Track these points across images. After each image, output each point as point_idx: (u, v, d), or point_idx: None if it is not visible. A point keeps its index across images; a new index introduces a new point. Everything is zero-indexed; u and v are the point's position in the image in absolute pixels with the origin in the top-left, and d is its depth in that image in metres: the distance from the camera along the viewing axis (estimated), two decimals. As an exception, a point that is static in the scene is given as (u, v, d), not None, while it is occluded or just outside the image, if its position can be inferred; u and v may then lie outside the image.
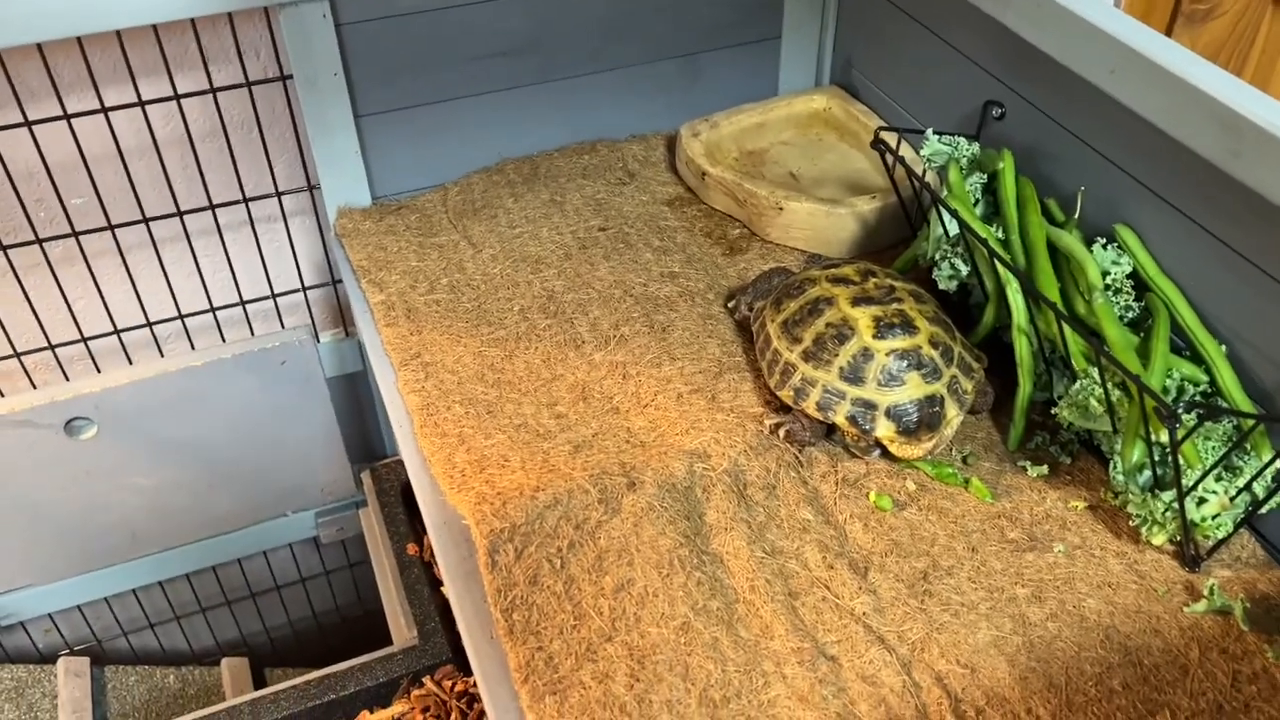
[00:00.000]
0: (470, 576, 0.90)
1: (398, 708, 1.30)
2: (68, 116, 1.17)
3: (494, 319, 1.16)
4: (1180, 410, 0.80)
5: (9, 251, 1.25)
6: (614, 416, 1.03)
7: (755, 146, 1.38)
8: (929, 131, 1.11)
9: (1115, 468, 0.91)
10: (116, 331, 1.37)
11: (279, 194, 1.34)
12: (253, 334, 1.45)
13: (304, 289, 1.44)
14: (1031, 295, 0.96)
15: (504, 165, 1.38)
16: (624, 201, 1.32)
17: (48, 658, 1.65)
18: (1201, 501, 0.86)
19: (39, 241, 1.25)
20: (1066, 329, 0.93)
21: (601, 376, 1.08)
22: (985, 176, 1.08)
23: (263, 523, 1.62)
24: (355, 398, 1.58)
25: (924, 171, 1.10)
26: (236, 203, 1.32)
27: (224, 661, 1.75)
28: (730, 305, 1.15)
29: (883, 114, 1.34)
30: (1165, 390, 0.90)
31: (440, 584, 1.46)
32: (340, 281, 1.44)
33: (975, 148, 1.09)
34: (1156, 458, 0.87)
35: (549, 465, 0.97)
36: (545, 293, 1.19)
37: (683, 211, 1.31)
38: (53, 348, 1.35)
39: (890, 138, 1.10)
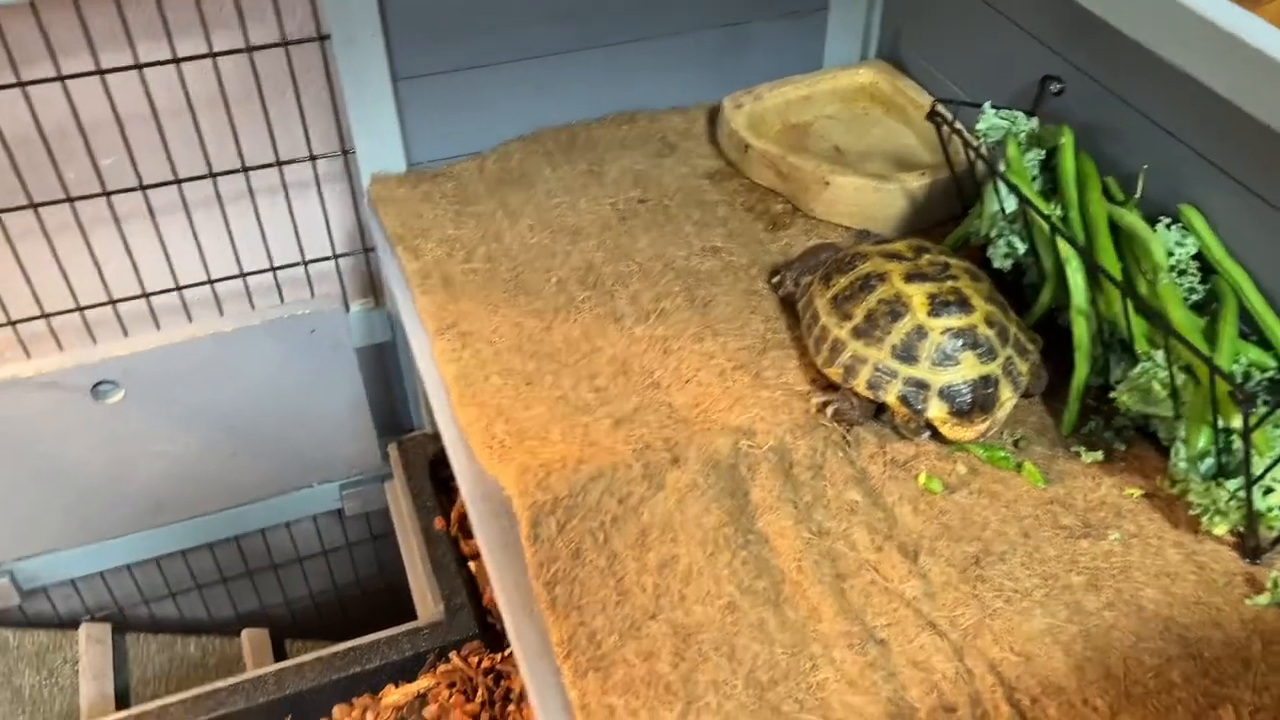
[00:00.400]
0: (510, 549, 0.88)
1: (423, 682, 1.28)
2: (101, 72, 1.15)
3: (532, 290, 1.14)
4: (1259, 396, 0.77)
5: (40, 210, 1.23)
6: (655, 391, 1.01)
7: (799, 120, 1.35)
8: (986, 105, 1.07)
9: (1176, 454, 0.88)
10: (145, 295, 1.35)
11: (313, 158, 1.31)
12: (282, 301, 1.43)
13: (335, 257, 1.41)
14: (1095, 273, 0.93)
15: (542, 134, 1.35)
16: (664, 174, 1.29)
17: (69, 623, 1.64)
18: (1269, 491, 0.83)
19: (70, 200, 1.23)
20: (1131, 310, 0.89)
21: (642, 350, 1.06)
22: (1043, 153, 1.04)
23: (287, 493, 1.61)
24: (383, 369, 1.56)
25: (980, 146, 1.07)
26: (270, 166, 1.30)
27: (244, 632, 1.74)
28: (774, 281, 1.12)
29: (932, 89, 1.31)
30: (1231, 375, 0.87)
31: (467, 559, 1.44)
32: (372, 250, 1.42)
33: (1034, 123, 1.06)
34: (1222, 445, 0.84)
35: (590, 439, 0.95)
36: (584, 264, 1.16)
37: (724, 185, 1.28)
38: (81, 310, 1.33)
39: (947, 110, 1.07)
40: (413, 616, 1.43)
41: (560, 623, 0.81)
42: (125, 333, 1.38)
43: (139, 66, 1.16)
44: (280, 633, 1.82)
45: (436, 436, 1.60)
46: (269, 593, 1.82)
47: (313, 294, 1.45)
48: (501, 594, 0.86)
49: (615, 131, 1.36)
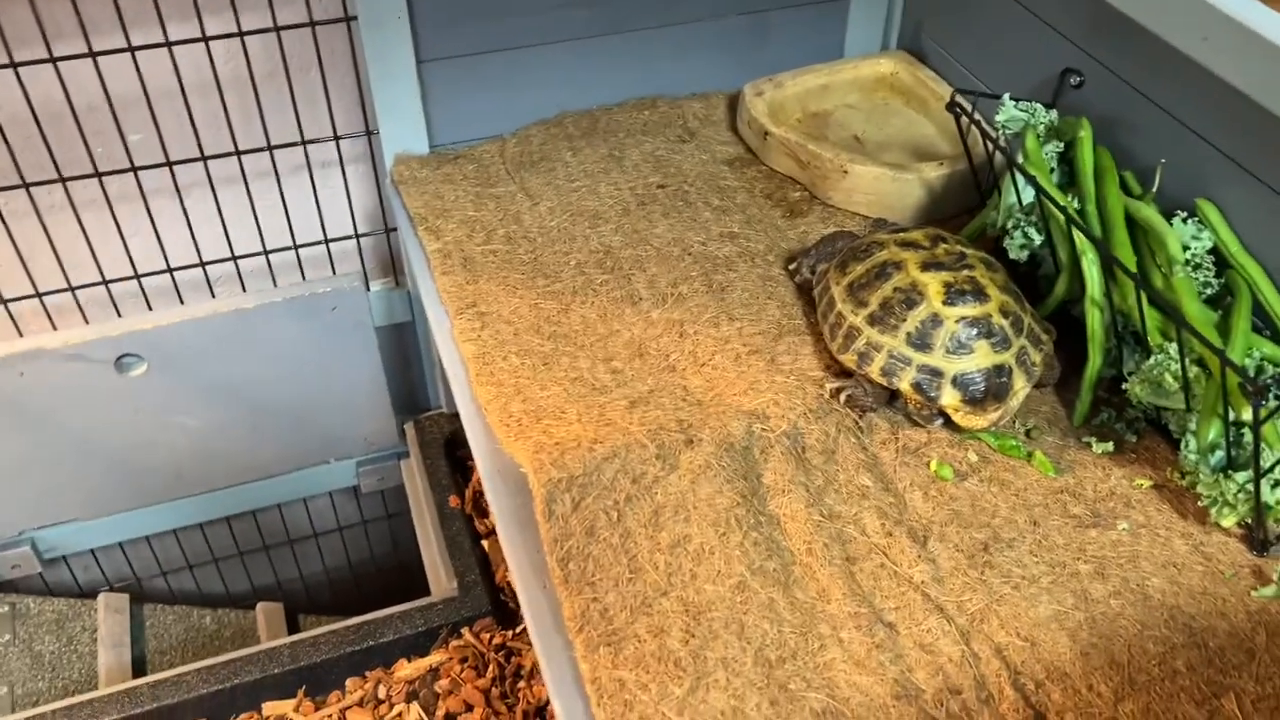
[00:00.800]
0: (525, 526, 0.90)
1: (435, 657, 1.30)
2: (132, 49, 1.16)
3: (550, 272, 1.15)
4: (1270, 388, 0.78)
5: (68, 184, 1.25)
6: (670, 374, 1.02)
7: (819, 109, 1.35)
8: (1005, 97, 1.08)
9: (1186, 446, 0.88)
10: (170, 270, 1.37)
11: (337, 138, 1.33)
12: (304, 279, 1.45)
13: (357, 236, 1.43)
14: (1110, 265, 0.93)
15: (563, 118, 1.36)
16: (683, 159, 1.30)
17: (88, 593, 1.67)
18: (1277, 485, 0.84)
19: (98, 175, 1.25)
20: (1145, 302, 0.90)
21: (658, 334, 1.07)
22: (1061, 145, 1.05)
23: (304, 469, 1.63)
24: (402, 349, 1.58)
25: (999, 137, 1.07)
26: (295, 145, 1.31)
27: (259, 606, 1.76)
28: (791, 268, 1.13)
29: (952, 80, 1.31)
30: (1244, 369, 0.88)
31: (481, 537, 1.46)
32: (393, 230, 1.43)
33: (1053, 115, 1.06)
34: (1232, 437, 0.85)
35: (605, 419, 0.96)
36: (602, 248, 1.18)
37: (742, 172, 1.29)
38: (106, 283, 1.35)
39: (966, 101, 1.07)
40: (425, 594, 1.44)
41: (573, 598, 0.82)
42: (149, 307, 1.40)
43: (169, 44, 1.18)
44: (294, 607, 1.84)
45: (453, 416, 1.62)
46: (284, 567, 1.84)
47: (334, 272, 1.46)
48: (515, 569, 0.88)
49: (636, 117, 1.37)
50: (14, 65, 1.14)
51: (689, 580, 0.84)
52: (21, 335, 1.36)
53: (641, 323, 1.08)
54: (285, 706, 1.26)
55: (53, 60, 1.15)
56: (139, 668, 1.57)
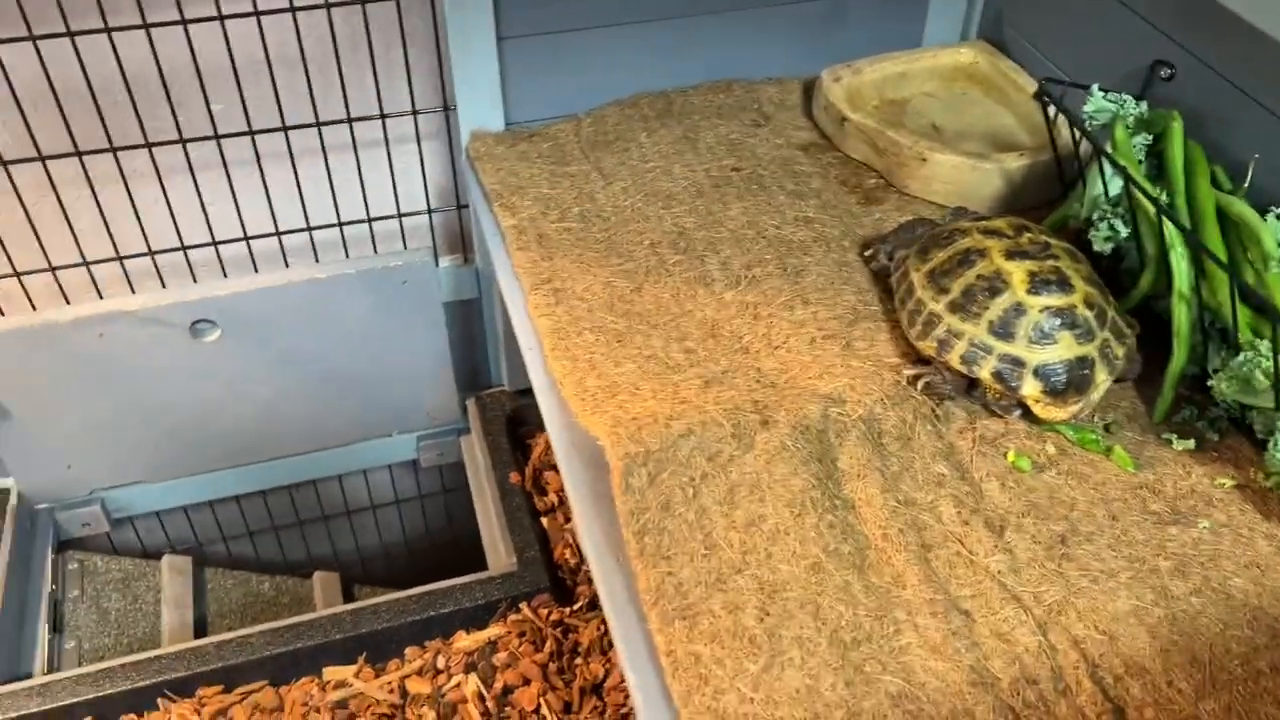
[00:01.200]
0: (599, 499, 0.90)
1: (494, 630, 1.31)
2: (221, 18, 1.18)
3: (624, 251, 1.15)
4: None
5: (154, 150, 1.27)
6: (743, 356, 1.02)
7: (897, 96, 1.34)
8: (1094, 87, 1.06)
9: (1275, 446, 0.87)
10: (246, 239, 1.39)
11: (415, 112, 1.34)
12: (376, 252, 1.47)
13: (430, 211, 1.44)
14: (1199, 260, 0.92)
15: (638, 99, 1.36)
16: (758, 143, 1.30)
17: (152, 554, 1.71)
18: (1370, 487, 0.82)
19: (182, 141, 1.27)
20: (1236, 297, 0.88)
21: (731, 315, 1.07)
22: (1150, 138, 1.03)
23: (367, 441, 1.65)
24: (467, 325, 1.59)
25: (1086, 127, 1.06)
26: (374, 118, 1.33)
27: (316, 575, 1.79)
28: (867, 254, 1.12)
29: (1034, 71, 1.30)
30: (1338, 369, 0.86)
31: (540, 514, 1.47)
32: (465, 206, 1.45)
33: (1142, 107, 1.05)
34: (1324, 438, 0.83)
35: (680, 397, 0.96)
36: (676, 229, 1.18)
37: (818, 158, 1.28)
38: (185, 249, 1.38)
39: (1053, 91, 1.06)
40: (479, 569, 1.46)
41: (648, 571, 0.83)
42: (224, 274, 1.42)
43: (257, 14, 1.19)
44: (350, 578, 1.87)
45: (514, 394, 1.63)
46: (341, 538, 1.87)
47: (405, 247, 1.48)
48: (589, 542, 0.88)
49: (710, 99, 1.37)
50: (108, 30, 1.16)
51: (764, 559, 0.84)
52: (102, 297, 1.39)
53: (715, 304, 1.08)
54: (346, 672, 1.28)
55: (145, 27, 1.17)
56: (200, 629, 1.60)
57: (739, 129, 1.32)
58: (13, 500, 1.49)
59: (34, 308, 1.37)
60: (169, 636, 1.52)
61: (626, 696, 1.25)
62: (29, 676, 1.35)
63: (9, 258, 1.32)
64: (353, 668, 1.28)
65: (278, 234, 1.40)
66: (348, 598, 1.83)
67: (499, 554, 1.45)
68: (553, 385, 1.01)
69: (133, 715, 1.24)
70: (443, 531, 1.92)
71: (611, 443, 0.90)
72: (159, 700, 1.25)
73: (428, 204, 1.43)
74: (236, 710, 1.23)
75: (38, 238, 1.32)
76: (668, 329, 1.06)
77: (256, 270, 1.43)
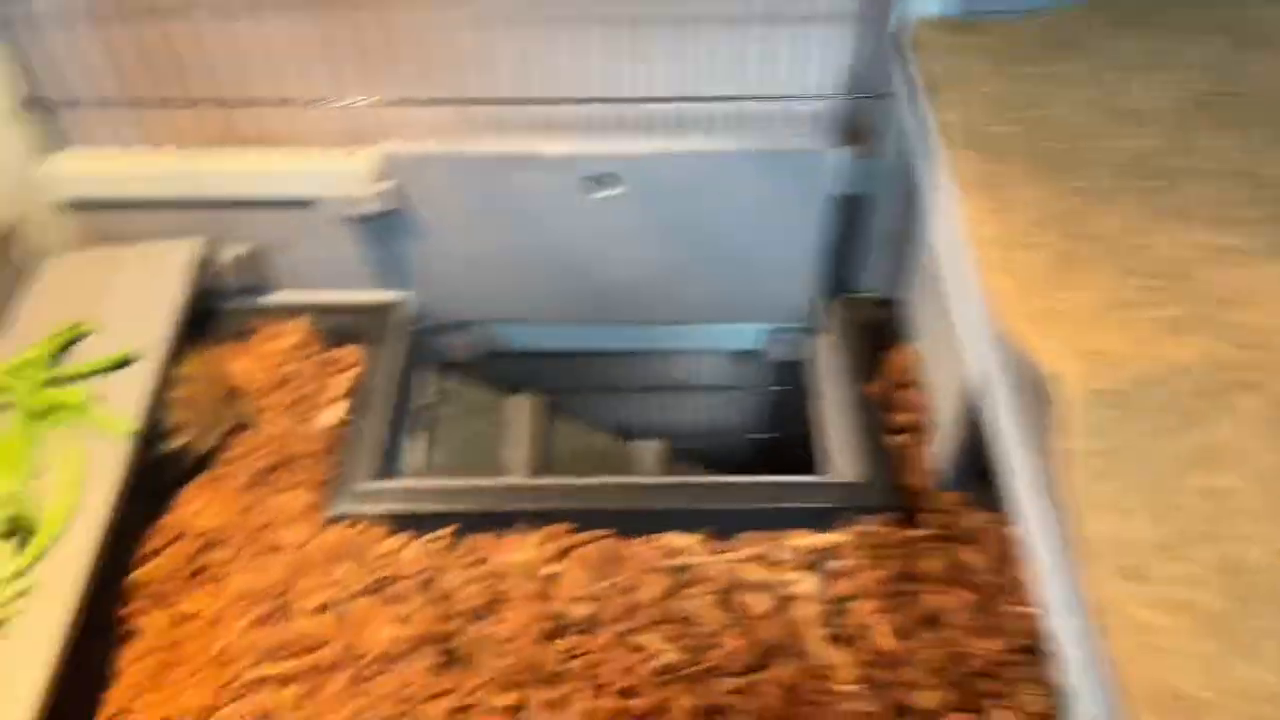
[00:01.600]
0: (1033, 431, 0.83)
1: (836, 536, 1.28)
2: None
3: (1074, 167, 1.04)
4: None
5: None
6: (1218, 306, 0.89)
7: None
8: None
9: None
10: (654, 99, 1.38)
11: (847, -11, 1.27)
12: (775, 134, 1.42)
13: (846, 96, 1.37)
14: None
15: (1109, 1, 1.21)
16: (1252, 65, 1.12)
17: (508, 390, 1.80)
18: None
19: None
20: None
21: (1204, 258, 0.94)
22: None
23: (721, 323, 1.64)
24: (848, 222, 1.52)
25: None
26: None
27: (644, 444, 1.84)
28: (1385, 213, 0.95)
29: None
30: None
31: (896, 430, 1.41)
32: (883, 96, 1.36)
33: None
34: None
35: (1138, 337, 0.86)
36: (1140, 151, 1.05)
37: (1324, 94, 1.10)
38: (602, 101, 1.38)
39: None
40: (807, 472, 1.42)
41: (1093, 519, 0.75)
42: (626, 135, 1.43)
43: None
44: (674, 454, 1.91)
45: (882, 302, 1.56)
46: (670, 412, 1.90)
47: (806, 131, 1.42)
48: (1020, 474, 0.82)
49: (1191, 13, 1.20)
50: None
51: (1231, 536, 0.74)
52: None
53: (1185, 244, 0.95)
54: (689, 540, 1.29)
55: None
56: (541, 469, 1.69)
57: (1230, 49, 1.15)
58: (407, 312, 1.59)
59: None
60: (516, 469, 1.61)
61: (966, 635, 1.19)
62: (400, 476, 1.46)
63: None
64: (696, 538, 1.30)
65: (683, 99, 1.37)
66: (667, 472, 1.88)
67: (837, 463, 1.41)
68: (987, 299, 0.93)
69: (493, 533, 1.30)
70: (767, 426, 1.91)
71: (1067, 375, 0.81)
72: (516, 524, 1.31)
73: (847, 88, 1.36)
74: (589, 550, 1.27)
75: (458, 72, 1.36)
76: (1125, 259, 0.94)
77: (654, 134, 1.42)
